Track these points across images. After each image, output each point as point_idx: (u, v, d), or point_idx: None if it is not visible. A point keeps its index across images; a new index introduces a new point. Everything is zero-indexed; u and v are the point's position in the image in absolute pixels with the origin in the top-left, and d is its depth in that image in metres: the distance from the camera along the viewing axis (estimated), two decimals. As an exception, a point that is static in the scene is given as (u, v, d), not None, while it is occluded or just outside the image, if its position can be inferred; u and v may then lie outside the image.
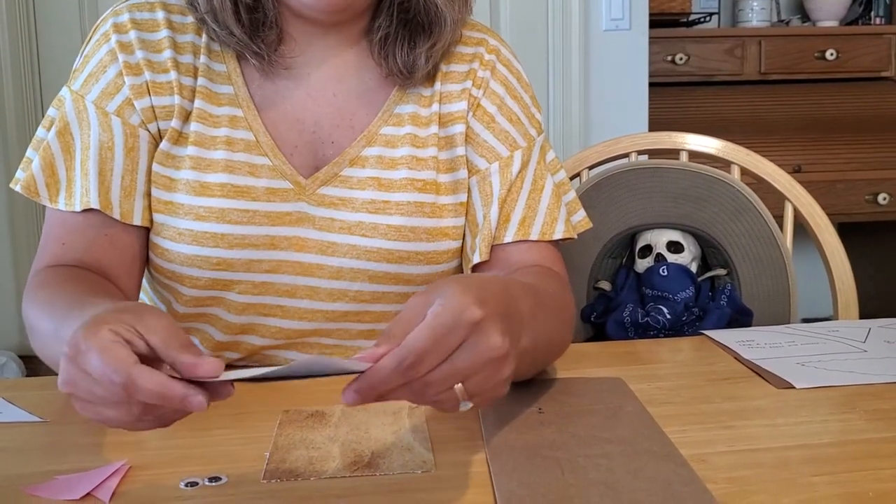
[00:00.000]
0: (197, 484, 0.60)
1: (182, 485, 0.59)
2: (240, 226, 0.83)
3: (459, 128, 0.91)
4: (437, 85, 0.91)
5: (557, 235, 0.90)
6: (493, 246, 0.89)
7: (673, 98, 2.59)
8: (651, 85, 2.43)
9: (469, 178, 0.91)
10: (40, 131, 0.86)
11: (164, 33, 0.86)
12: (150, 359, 0.55)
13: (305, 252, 0.85)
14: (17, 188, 0.85)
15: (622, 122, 2.36)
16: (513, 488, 0.57)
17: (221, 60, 0.88)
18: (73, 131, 0.85)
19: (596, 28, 2.36)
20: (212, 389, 0.54)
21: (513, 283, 0.67)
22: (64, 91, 0.87)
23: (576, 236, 0.93)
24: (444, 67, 0.92)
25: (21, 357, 2.45)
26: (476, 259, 0.88)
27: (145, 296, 0.96)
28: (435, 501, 0.57)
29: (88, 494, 0.58)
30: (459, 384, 0.54)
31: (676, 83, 2.64)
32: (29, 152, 0.86)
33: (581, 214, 0.96)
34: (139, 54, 0.85)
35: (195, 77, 0.87)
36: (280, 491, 0.59)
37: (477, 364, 0.54)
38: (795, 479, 0.59)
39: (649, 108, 2.43)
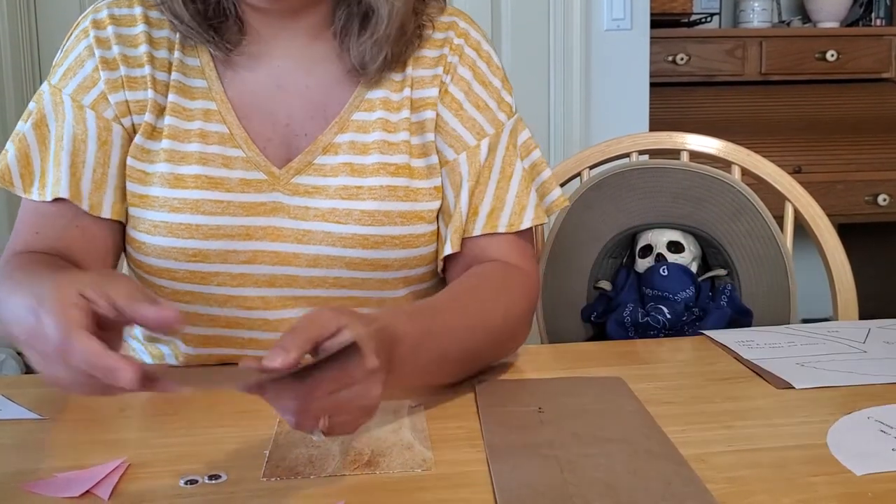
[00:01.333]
0: (197, 482, 0.60)
1: (182, 482, 0.59)
2: (214, 216, 0.84)
3: (430, 114, 0.91)
4: (409, 70, 0.91)
5: (525, 224, 0.90)
6: (463, 238, 0.89)
7: (674, 98, 2.59)
8: (652, 85, 2.43)
9: (440, 168, 0.91)
10: (19, 125, 0.87)
11: (140, 28, 0.87)
12: (118, 322, 0.57)
13: (281, 241, 0.85)
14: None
15: (623, 121, 2.36)
16: (512, 487, 0.57)
17: (195, 55, 0.89)
18: (49, 123, 0.86)
19: (597, 28, 2.35)
20: (162, 383, 0.53)
21: (399, 316, 0.70)
22: (43, 85, 0.88)
23: (547, 220, 0.94)
24: (415, 52, 0.92)
25: (20, 354, 2.45)
26: (448, 250, 0.88)
27: None
28: (434, 500, 0.57)
29: (88, 492, 0.58)
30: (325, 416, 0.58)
31: (677, 83, 2.64)
32: (7, 145, 0.87)
33: (555, 194, 0.95)
34: (115, 49, 0.86)
35: (169, 72, 0.87)
36: (280, 489, 0.59)
37: (353, 408, 0.58)
38: (795, 479, 0.59)
39: (650, 108, 2.42)
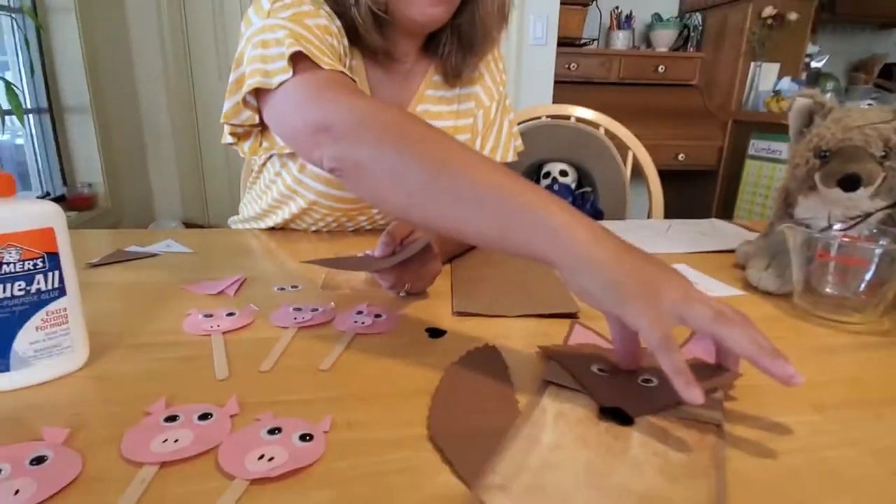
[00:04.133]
0: (284, 289, 0.59)
1: (275, 289, 0.59)
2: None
3: (477, 88, 0.76)
4: None
5: (509, 158, 0.80)
6: None
7: (568, 91, 2.53)
8: (555, 82, 2.36)
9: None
10: (253, 52, 0.52)
11: (337, 22, 0.60)
12: None
13: None
14: (294, 47, 0.48)
15: (538, 101, 2.30)
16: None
17: (351, 55, 0.64)
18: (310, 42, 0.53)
19: (526, 43, 2.26)
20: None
21: None
22: (262, 22, 0.54)
23: (517, 159, 0.85)
24: None
25: (185, 223, 2.36)
26: None
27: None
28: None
29: (221, 292, 0.58)
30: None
31: (570, 81, 2.57)
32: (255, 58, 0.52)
33: (519, 142, 0.85)
34: (337, 32, 0.59)
35: None
36: (333, 295, 0.58)
37: (426, 275, 0.54)
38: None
39: (553, 95, 2.37)
